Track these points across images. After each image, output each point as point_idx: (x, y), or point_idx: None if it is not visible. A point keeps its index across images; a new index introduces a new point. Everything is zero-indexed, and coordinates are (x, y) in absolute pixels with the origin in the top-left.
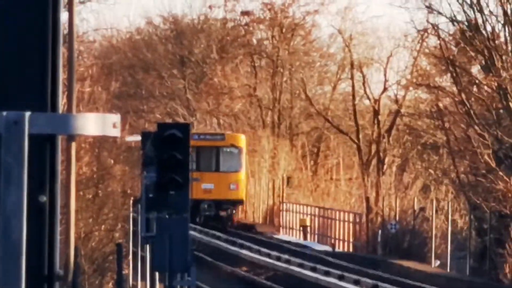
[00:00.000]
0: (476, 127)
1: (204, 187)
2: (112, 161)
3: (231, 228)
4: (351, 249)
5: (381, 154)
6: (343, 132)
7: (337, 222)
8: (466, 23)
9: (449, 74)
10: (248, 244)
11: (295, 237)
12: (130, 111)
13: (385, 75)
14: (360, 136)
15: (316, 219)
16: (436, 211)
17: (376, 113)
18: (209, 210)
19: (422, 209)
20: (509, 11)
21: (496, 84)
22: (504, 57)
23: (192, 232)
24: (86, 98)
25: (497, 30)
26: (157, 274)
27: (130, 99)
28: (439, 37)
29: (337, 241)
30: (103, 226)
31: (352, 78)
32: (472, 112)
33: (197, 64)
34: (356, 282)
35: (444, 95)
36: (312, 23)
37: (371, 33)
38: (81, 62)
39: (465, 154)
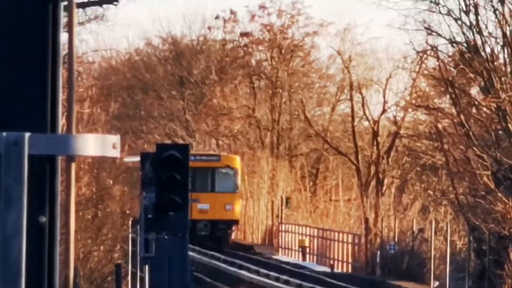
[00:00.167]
0: (475, 149)
1: (200, 207)
2: (111, 182)
3: (227, 248)
4: (350, 270)
5: (380, 175)
6: (342, 153)
7: (336, 243)
8: (465, 45)
9: (448, 96)
10: (247, 264)
11: (294, 258)
12: (129, 131)
13: (384, 96)
14: (359, 157)
15: (315, 240)
16: (435, 232)
17: (375, 134)
18: (205, 230)
19: (421, 230)
20: (508, 33)
21: (495, 105)
22: (503, 79)
23: (190, 253)
24: (85, 119)
25: (496, 52)
26: None
27: (129, 120)
28: (438, 58)
29: (336, 262)
30: (102, 247)
31: (351, 99)
32: (471, 133)
33: (196, 85)
34: None
35: (443, 117)
36: (311, 44)
37: (370, 55)
38: (80, 83)
39: (464, 175)
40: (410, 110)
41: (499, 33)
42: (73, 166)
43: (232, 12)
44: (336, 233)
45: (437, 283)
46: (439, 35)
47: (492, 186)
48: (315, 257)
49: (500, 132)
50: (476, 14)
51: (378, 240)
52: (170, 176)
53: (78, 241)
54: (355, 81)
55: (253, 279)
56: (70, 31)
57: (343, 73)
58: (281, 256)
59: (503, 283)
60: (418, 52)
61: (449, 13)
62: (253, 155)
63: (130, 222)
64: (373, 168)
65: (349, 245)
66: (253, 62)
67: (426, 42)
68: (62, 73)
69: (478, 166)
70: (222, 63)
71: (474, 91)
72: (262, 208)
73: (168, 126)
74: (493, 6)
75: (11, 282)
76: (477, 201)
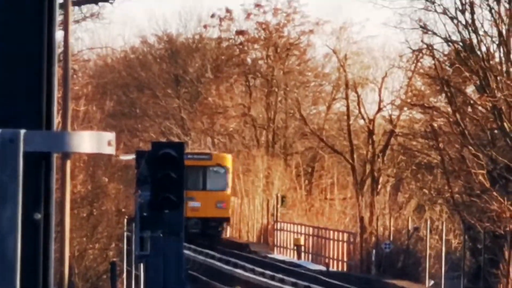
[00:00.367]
0: (470, 147)
1: (191, 205)
2: (106, 180)
3: (218, 245)
4: (345, 269)
5: (375, 174)
6: (338, 152)
7: (331, 241)
8: (461, 44)
9: (443, 94)
10: (242, 263)
11: (289, 257)
12: (125, 130)
13: (379, 95)
14: (355, 156)
15: (310, 238)
16: (430, 231)
17: (370, 133)
18: (196, 227)
19: (416, 229)
20: (503, 32)
21: (490, 104)
22: (498, 78)
23: (185, 251)
24: (80, 117)
25: (491, 51)
26: None
27: (124, 118)
28: (433, 57)
29: (331, 260)
30: (97, 245)
31: (346, 98)
32: (466, 132)
33: (192, 83)
34: None
35: (439, 115)
36: (307, 43)
37: (366, 53)
38: (75, 81)
39: (459, 174)
40: (405, 108)
41: (494, 32)
42: (68, 163)
43: (227, 11)
44: (331, 232)
45: (432, 282)
46: (434, 34)
47: (488, 185)
48: (310, 255)
49: (496, 131)
50: (472, 13)
51: (373, 238)
52: (165, 175)
53: (73, 239)
54: (351, 79)
55: (248, 278)
56: (65, 29)
57: (338, 72)
58: (276, 255)
59: (498, 282)
60: (413, 51)
61: (444, 12)
62: (249, 154)
63: (125, 220)
64: (368, 167)
65: (344, 244)
66: (249, 60)
67: (422, 41)
68: (57, 70)
69: (474, 165)
70: (218, 61)
71: (470, 90)
72: (257, 206)
73: (163, 125)
74: (488, 5)
75: (5, 280)
76: (472, 200)
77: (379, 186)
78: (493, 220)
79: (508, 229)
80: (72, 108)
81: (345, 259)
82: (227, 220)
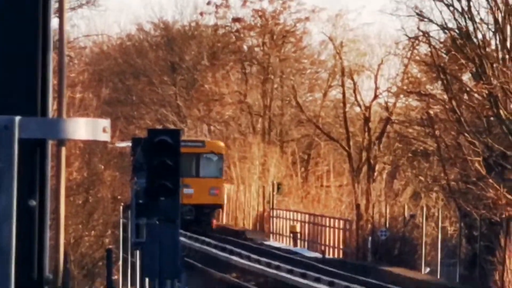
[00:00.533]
0: (466, 135)
1: (185, 192)
2: (102, 167)
3: (212, 232)
4: (341, 256)
5: (371, 161)
6: (334, 139)
7: (327, 228)
8: (457, 31)
9: (440, 82)
10: (238, 250)
11: (285, 244)
12: (121, 117)
13: (375, 82)
14: (351, 143)
15: (306, 225)
16: (426, 218)
17: (366, 120)
18: (190, 214)
19: (412, 216)
20: (499, 19)
21: (486, 91)
22: (495, 65)
23: (181, 238)
24: (76, 104)
25: (488, 38)
26: (147, 280)
27: (120, 105)
28: (430, 44)
29: (327, 247)
30: (93, 232)
31: (343, 85)
32: (462, 119)
33: (188, 71)
34: None
35: (435, 103)
36: (303, 30)
37: (362, 40)
38: (71, 68)
39: (455, 162)
40: (401, 96)
41: (491, 19)
42: (64, 150)
43: None
44: (327, 219)
45: (428, 269)
46: (431, 21)
47: (484, 172)
48: (306, 242)
49: (492, 118)
50: (468, 0)
51: (369, 226)
52: (161, 162)
53: (69, 226)
54: (347, 67)
55: (244, 265)
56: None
57: (334, 59)
58: (272, 242)
59: (494, 269)
60: (410, 38)
61: None
62: (245, 141)
63: (121, 208)
64: (364, 154)
65: (340, 231)
66: (245, 47)
67: (418, 28)
68: (53, 58)
69: (470, 152)
70: (214, 48)
71: (466, 77)
72: (253, 193)
73: (159, 112)
74: None
75: (0, 266)
76: (468, 187)
77: (375, 174)
78: (489, 207)
79: (504, 216)
80: (68, 95)
81: (341, 246)
82: (220, 207)
